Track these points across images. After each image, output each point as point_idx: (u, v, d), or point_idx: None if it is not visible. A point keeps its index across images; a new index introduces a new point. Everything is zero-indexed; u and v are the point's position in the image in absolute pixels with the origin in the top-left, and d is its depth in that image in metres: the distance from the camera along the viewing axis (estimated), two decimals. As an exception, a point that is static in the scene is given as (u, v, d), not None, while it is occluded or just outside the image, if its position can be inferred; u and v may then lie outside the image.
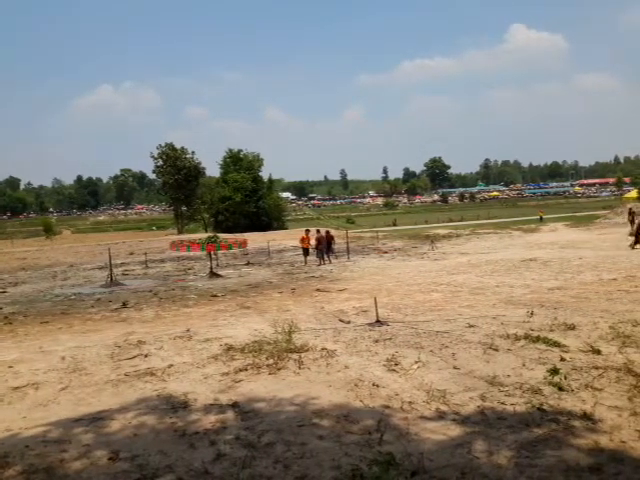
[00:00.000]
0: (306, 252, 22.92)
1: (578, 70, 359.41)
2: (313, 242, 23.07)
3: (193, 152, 72.14)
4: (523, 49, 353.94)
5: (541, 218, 55.25)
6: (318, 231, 24.01)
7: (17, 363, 8.24)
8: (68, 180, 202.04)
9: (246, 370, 7.05)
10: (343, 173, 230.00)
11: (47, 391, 6.74)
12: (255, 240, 34.89)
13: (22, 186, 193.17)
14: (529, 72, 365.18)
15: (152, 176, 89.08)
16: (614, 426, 4.75)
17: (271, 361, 7.33)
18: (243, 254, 28.07)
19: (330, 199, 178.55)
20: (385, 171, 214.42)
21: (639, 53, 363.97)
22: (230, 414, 5.54)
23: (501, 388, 5.87)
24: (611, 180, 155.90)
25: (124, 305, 13.70)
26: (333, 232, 27.82)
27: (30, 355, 8.78)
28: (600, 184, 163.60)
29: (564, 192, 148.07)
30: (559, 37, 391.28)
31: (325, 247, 22.78)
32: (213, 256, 22.19)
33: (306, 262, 22.34)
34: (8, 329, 11.49)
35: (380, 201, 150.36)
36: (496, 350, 7.40)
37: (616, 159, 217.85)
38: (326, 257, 22.41)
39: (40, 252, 38.54)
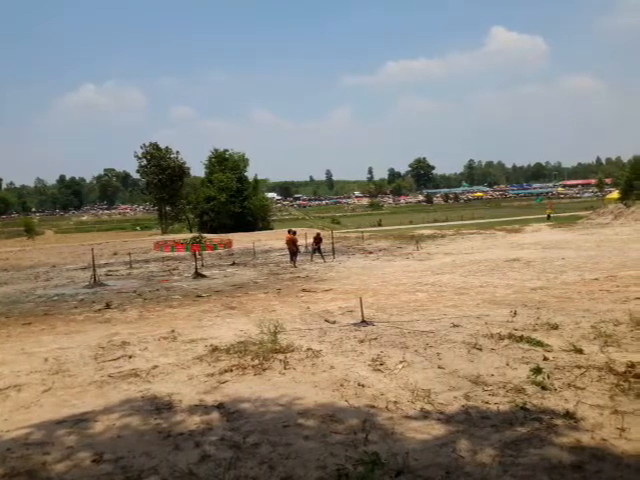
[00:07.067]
0: (293, 253, 22.81)
1: (559, 72, 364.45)
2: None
3: (177, 152, 71.49)
4: (504, 51, 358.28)
5: (549, 216, 52.55)
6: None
7: (-2, 365, 8.14)
8: (51, 180, 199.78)
9: (231, 371, 7.03)
10: (329, 174, 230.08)
11: (29, 393, 6.67)
12: (240, 240, 34.70)
13: (4, 186, 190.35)
14: (511, 73, 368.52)
15: (136, 176, 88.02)
16: (596, 424, 4.81)
17: (256, 362, 7.32)
18: (228, 254, 27.90)
19: (316, 199, 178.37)
20: (370, 172, 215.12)
21: (619, 55, 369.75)
22: (215, 415, 5.53)
23: (485, 387, 5.93)
24: (593, 181, 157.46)
25: (108, 306, 13.56)
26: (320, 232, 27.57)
27: (12, 357, 8.68)
28: (582, 185, 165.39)
29: (547, 193, 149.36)
30: (539, 39, 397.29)
31: (314, 248, 22.82)
32: (198, 256, 22.08)
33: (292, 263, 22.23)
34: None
35: (365, 201, 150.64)
36: (480, 350, 7.46)
37: (598, 160, 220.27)
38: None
39: (22, 252, 38.01)
